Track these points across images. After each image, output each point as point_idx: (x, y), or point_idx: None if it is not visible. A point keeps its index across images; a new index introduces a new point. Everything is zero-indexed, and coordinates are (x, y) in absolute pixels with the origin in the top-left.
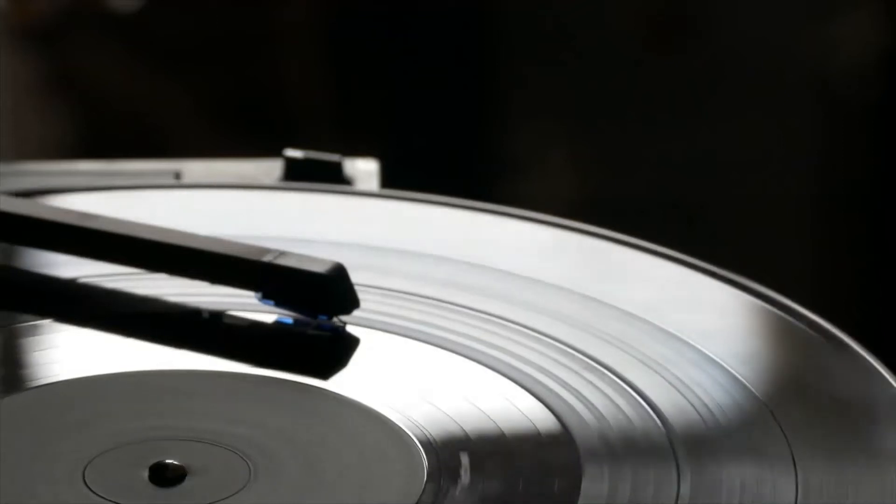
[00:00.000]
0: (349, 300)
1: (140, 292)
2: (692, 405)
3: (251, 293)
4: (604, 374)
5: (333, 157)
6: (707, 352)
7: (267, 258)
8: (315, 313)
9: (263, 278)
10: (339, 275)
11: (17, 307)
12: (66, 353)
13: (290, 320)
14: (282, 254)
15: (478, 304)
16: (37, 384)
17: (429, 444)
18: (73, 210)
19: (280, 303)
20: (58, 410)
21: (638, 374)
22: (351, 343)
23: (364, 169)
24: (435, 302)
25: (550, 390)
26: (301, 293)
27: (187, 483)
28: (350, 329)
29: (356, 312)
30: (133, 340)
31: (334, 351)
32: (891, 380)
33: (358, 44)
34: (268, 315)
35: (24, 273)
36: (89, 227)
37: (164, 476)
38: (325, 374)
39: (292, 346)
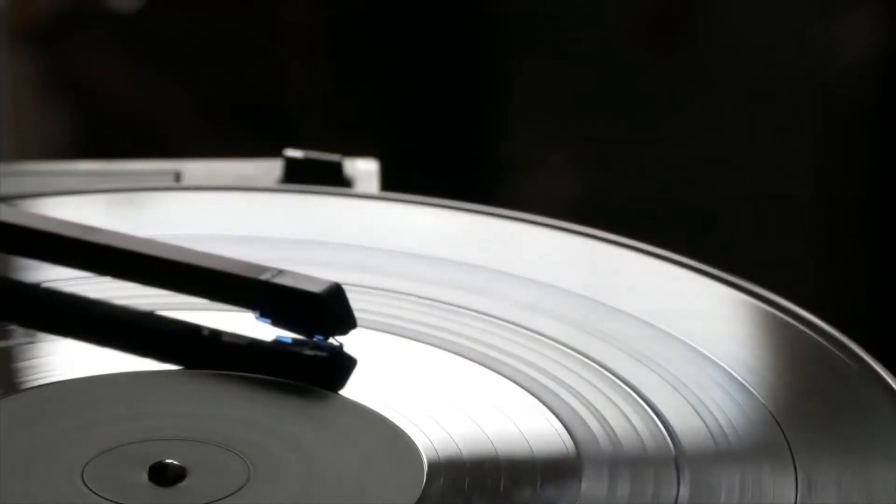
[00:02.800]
0: (346, 321)
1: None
2: (692, 406)
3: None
4: (604, 375)
5: (333, 157)
6: (707, 353)
7: (265, 277)
8: (312, 333)
9: (261, 297)
10: (335, 295)
11: (12, 317)
12: (66, 353)
13: (288, 339)
14: (280, 272)
15: (478, 304)
16: (36, 384)
17: (429, 445)
18: (73, 223)
19: (277, 321)
20: (57, 410)
21: (638, 375)
22: (351, 343)
23: (364, 169)
24: (435, 302)
25: (550, 391)
26: (298, 313)
27: (187, 483)
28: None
29: (355, 313)
30: (132, 341)
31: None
32: (890, 381)
33: (358, 44)
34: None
35: (18, 283)
36: (88, 241)
37: (163, 476)
38: (325, 374)
39: (291, 350)
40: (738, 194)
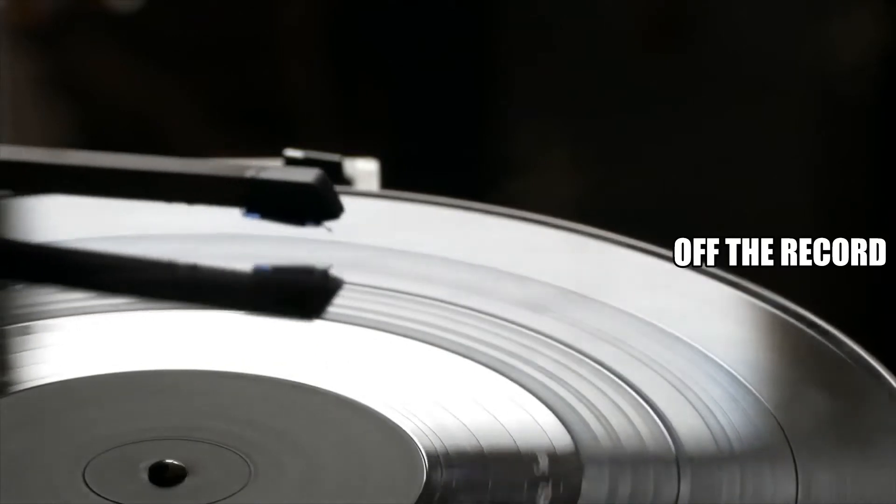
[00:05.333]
0: (336, 205)
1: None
2: (692, 405)
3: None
4: (604, 374)
5: (333, 157)
6: (707, 352)
7: (250, 174)
8: (303, 221)
9: (252, 194)
10: (324, 182)
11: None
12: (66, 353)
13: (267, 267)
14: (261, 168)
15: (478, 303)
16: (37, 384)
17: (429, 445)
18: (46, 149)
19: (266, 215)
20: (57, 410)
21: (638, 374)
22: (351, 343)
23: (364, 169)
24: (434, 302)
25: (550, 390)
26: (288, 204)
27: (187, 483)
28: (350, 329)
29: (355, 313)
30: (132, 340)
31: (334, 351)
32: (891, 380)
33: (358, 44)
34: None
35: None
36: (67, 164)
37: (164, 476)
38: (325, 374)
39: (293, 343)
40: (738, 193)
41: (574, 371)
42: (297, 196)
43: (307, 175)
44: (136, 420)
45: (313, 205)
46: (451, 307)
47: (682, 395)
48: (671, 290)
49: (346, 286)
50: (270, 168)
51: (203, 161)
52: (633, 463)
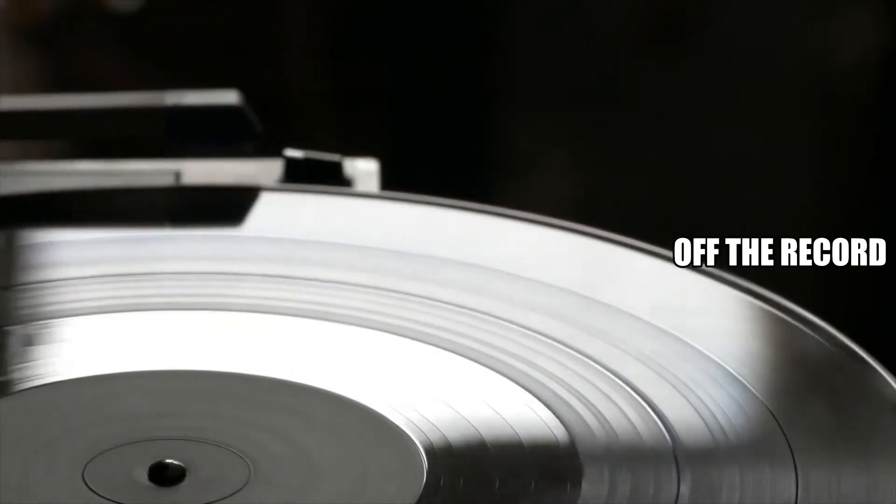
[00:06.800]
0: (256, 126)
1: None
2: (692, 405)
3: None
4: (604, 374)
5: (333, 157)
6: (707, 352)
7: (171, 102)
8: (224, 143)
9: (177, 121)
10: (245, 104)
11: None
12: (66, 353)
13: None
14: (178, 93)
15: (478, 304)
16: (37, 384)
17: (429, 444)
18: None
19: (186, 141)
20: (58, 410)
21: (638, 374)
22: (351, 343)
23: (364, 169)
24: (434, 302)
25: (549, 390)
26: (210, 128)
27: (187, 483)
28: (350, 329)
29: (354, 313)
30: (132, 340)
31: (334, 351)
32: (890, 380)
33: (358, 44)
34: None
35: None
36: None
37: (164, 476)
38: (325, 374)
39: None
40: (738, 194)
41: (573, 370)
42: (220, 119)
43: (229, 97)
44: (136, 420)
45: (236, 126)
46: (450, 307)
47: (682, 394)
48: (670, 290)
49: (345, 287)
50: (187, 94)
51: (114, 94)
52: (632, 462)
